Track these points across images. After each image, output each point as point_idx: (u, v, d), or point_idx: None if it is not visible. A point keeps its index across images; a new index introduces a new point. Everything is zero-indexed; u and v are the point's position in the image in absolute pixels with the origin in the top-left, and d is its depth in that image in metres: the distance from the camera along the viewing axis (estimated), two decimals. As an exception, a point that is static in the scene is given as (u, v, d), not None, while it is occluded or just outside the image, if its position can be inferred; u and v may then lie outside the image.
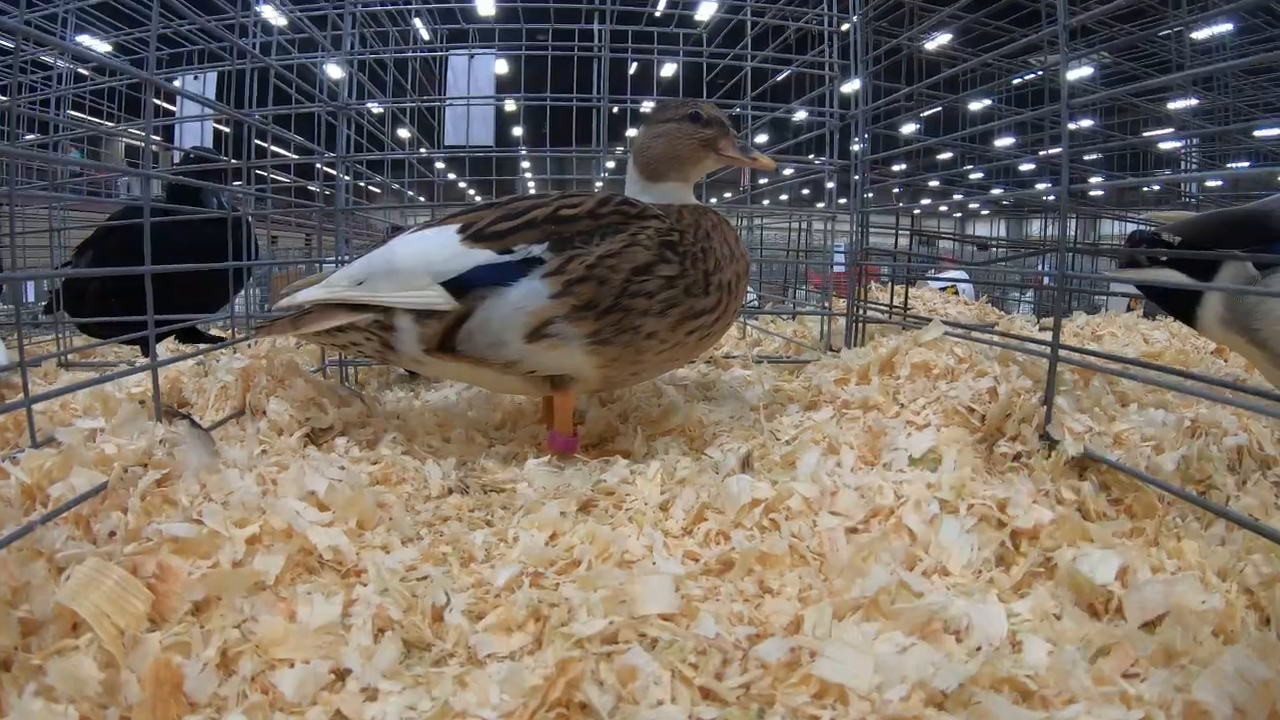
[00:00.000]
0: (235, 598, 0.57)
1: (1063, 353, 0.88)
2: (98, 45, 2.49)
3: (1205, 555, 0.69)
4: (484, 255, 0.86)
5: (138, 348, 1.58)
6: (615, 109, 1.89)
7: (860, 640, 0.50)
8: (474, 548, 0.67)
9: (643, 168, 0.99)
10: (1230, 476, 0.87)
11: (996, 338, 1.13)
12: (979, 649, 0.53)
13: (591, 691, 0.46)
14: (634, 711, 0.45)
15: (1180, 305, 1.06)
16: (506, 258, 0.86)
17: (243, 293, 1.85)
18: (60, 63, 2.25)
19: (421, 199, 3.99)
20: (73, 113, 2.35)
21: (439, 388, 1.29)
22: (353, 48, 1.67)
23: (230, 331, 1.38)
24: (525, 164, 3.67)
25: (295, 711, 0.48)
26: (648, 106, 1.75)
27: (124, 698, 0.48)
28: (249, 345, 1.07)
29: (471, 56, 2.11)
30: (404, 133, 2.73)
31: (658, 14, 2.18)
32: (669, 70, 2.30)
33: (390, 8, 2.01)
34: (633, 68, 2.24)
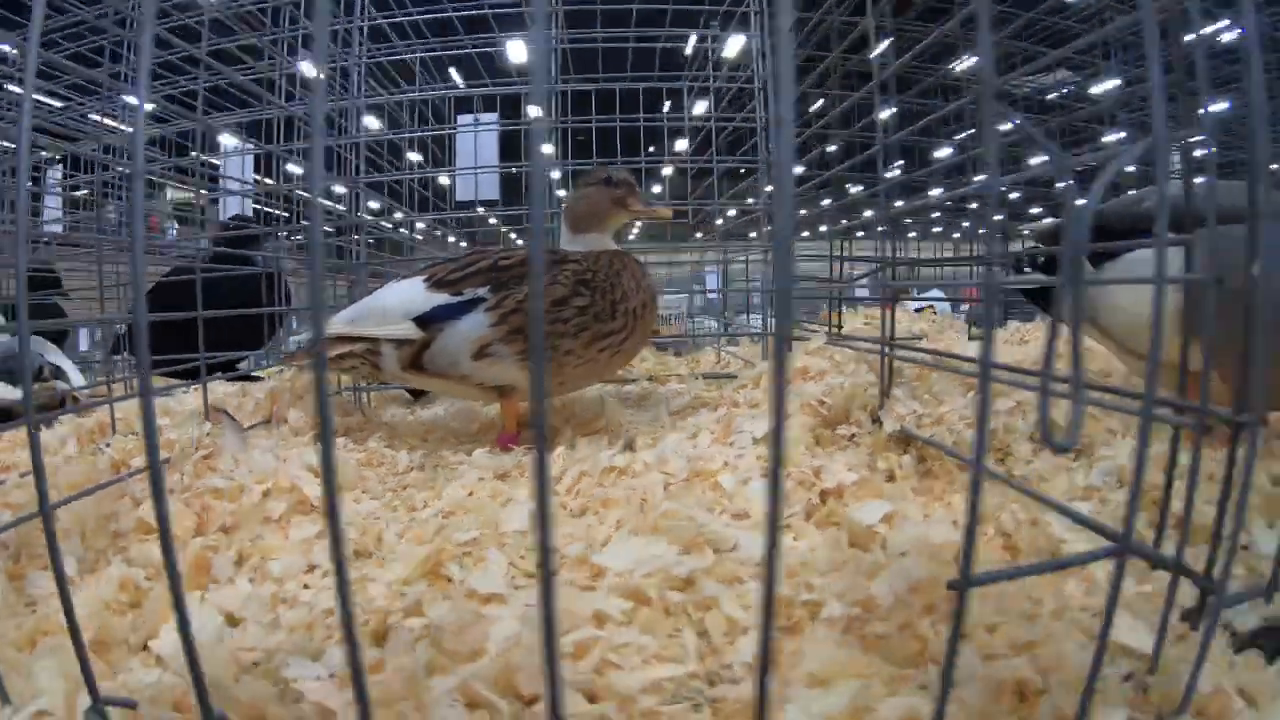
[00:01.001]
0: (252, 525, 0.90)
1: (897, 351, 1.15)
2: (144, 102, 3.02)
3: (971, 505, 0.93)
4: (442, 297, 1.19)
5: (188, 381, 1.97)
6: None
7: (635, 546, 0.78)
8: (416, 501, 0.98)
9: (570, 223, 1.31)
10: (1029, 446, 1.07)
11: (864, 343, 1.40)
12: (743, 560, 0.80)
13: (452, 567, 0.76)
14: (474, 578, 0.74)
15: (1049, 306, 1.26)
16: (458, 298, 1.19)
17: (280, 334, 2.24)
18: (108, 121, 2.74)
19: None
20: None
21: (431, 407, 1.63)
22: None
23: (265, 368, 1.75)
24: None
25: (276, 580, 0.79)
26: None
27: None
28: (279, 372, 1.43)
29: (476, 121, 2.51)
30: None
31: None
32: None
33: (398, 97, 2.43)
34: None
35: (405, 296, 1.21)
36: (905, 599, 0.62)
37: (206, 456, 1.02)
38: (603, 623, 0.61)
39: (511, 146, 2.72)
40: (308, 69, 2.31)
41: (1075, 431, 0.44)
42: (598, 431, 1.29)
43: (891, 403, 1.15)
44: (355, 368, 1.27)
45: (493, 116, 2.59)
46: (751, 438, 1.08)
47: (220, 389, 1.41)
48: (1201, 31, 0.65)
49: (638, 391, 1.56)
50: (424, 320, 1.19)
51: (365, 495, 1.01)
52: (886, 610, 0.62)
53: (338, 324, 1.25)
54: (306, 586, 0.78)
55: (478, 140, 2.45)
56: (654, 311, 1.29)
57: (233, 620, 0.72)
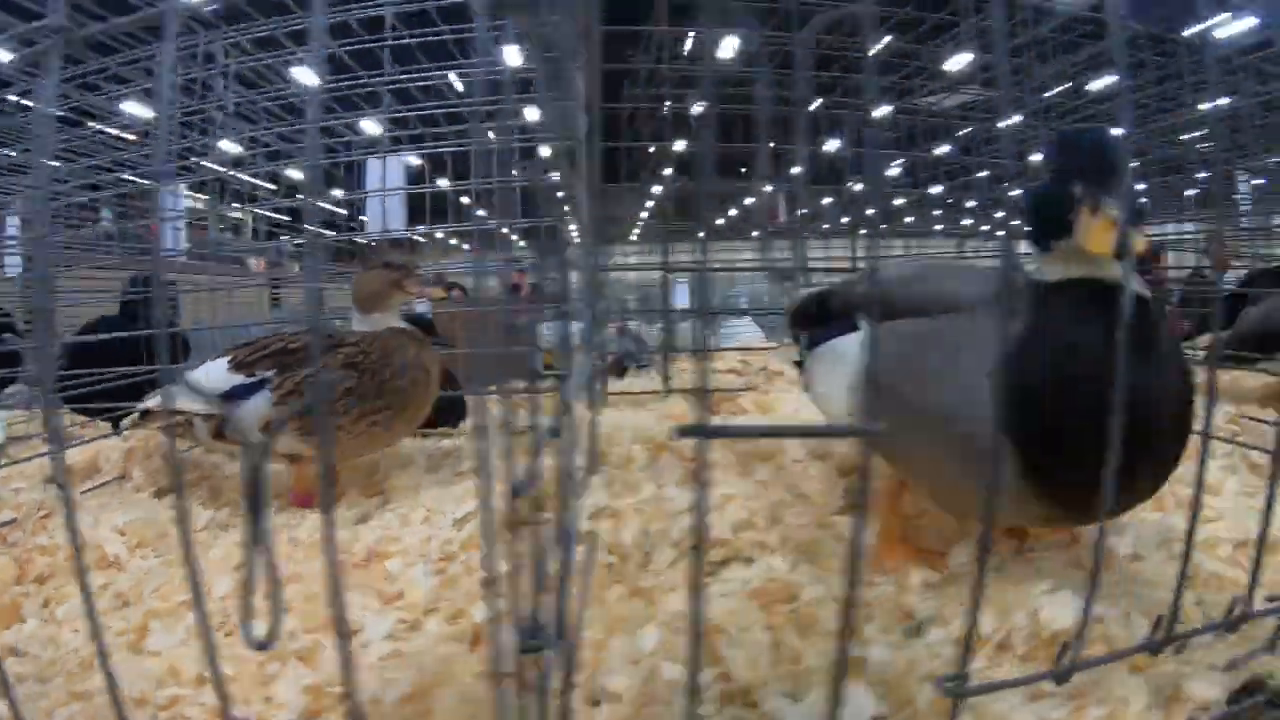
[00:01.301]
0: (62, 576, 1.30)
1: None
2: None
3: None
4: (239, 378, 1.55)
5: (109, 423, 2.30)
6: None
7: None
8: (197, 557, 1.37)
9: (357, 304, 1.66)
10: (671, 552, 1.09)
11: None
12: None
13: (154, 624, 1.14)
14: (157, 636, 1.12)
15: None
16: (251, 379, 1.55)
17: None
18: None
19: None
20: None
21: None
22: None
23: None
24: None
25: (58, 623, 1.18)
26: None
27: (-10, 614, 1.20)
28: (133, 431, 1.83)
29: (384, 159, 2.85)
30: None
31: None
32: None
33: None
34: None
35: (213, 375, 1.57)
36: (397, 707, 0.73)
37: (44, 516, 1.42)
38: (202, 684, 0.98)
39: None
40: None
41: (277, 626, 0.46)
42: (381, 493, 1.66)
43: (590, 487, 1.47)
44: (180, 434, 1.65)
45: (398, 162, 2.94)
46: (453, 518, 1.42)
47: (100, 444, 1.82)
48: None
49: (448, 447, 1.92)
50: (225, 397, 1.56)
51: (151, 553, 1.39)
52: (384, 713, 0.71)
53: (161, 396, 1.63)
54: (76, 630, 1.18)
55: (385, 175, 2.75)
56: (428, 385, 1.63)
57: (16, 653, 1.12)
